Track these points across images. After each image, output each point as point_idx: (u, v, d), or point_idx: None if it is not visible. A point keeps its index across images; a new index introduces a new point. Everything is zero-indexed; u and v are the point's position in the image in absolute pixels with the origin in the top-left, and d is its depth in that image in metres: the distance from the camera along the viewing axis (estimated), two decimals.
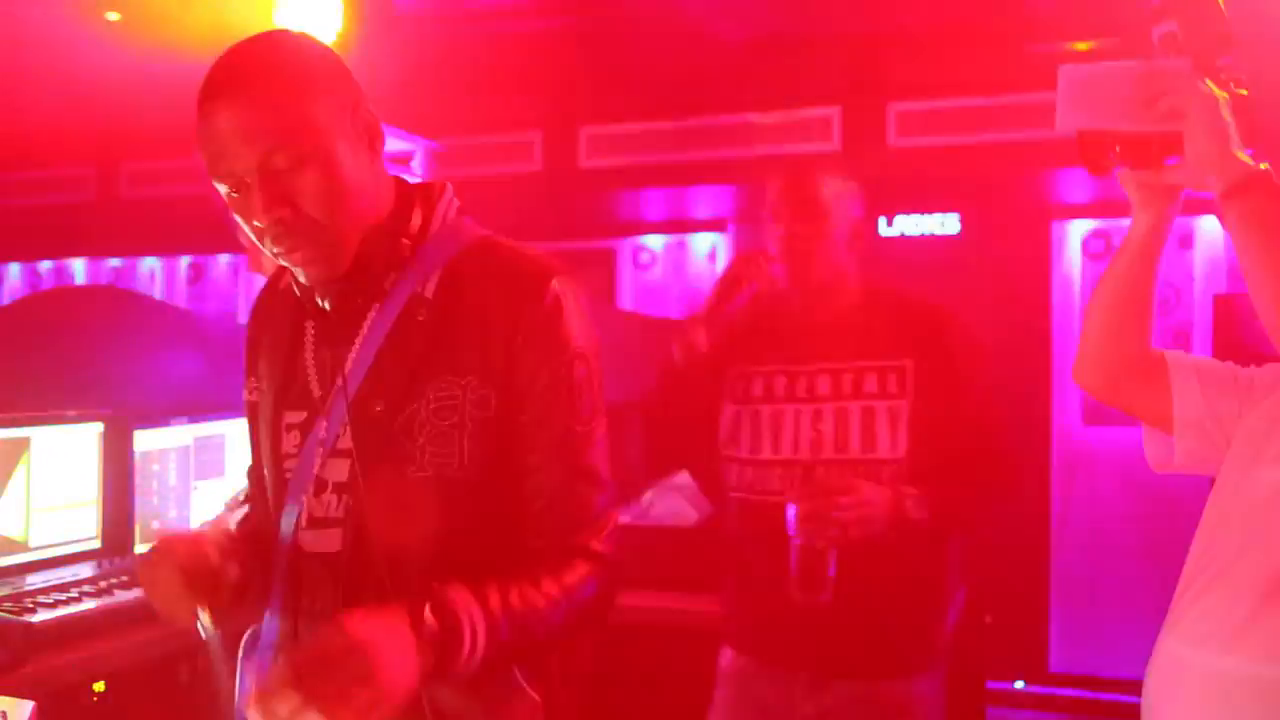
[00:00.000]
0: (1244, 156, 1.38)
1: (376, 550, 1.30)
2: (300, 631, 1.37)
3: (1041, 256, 5.25)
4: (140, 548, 2.66)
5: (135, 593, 2.34)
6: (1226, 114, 1.37)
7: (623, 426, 1.61)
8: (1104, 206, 5.13)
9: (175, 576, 1.30)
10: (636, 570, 1.52)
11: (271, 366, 1.46)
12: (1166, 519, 4.79)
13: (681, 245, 5.79)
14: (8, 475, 2.43)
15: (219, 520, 2.42)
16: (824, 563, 1.98)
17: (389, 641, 1.13)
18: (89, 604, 2.26)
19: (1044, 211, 5.25)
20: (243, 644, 1.42)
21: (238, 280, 6.68)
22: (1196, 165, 1.38)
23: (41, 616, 2.14)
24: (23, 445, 2.47)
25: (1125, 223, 1.58)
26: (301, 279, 1.37)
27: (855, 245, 2.21)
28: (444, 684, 1.24)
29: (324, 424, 1.37)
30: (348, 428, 1.34)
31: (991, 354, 2.32)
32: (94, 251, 6.92)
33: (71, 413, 2.64)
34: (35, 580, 2.37)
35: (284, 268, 1.43)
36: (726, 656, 2.26)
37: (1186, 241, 4.99)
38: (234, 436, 2.94)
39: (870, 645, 2.11)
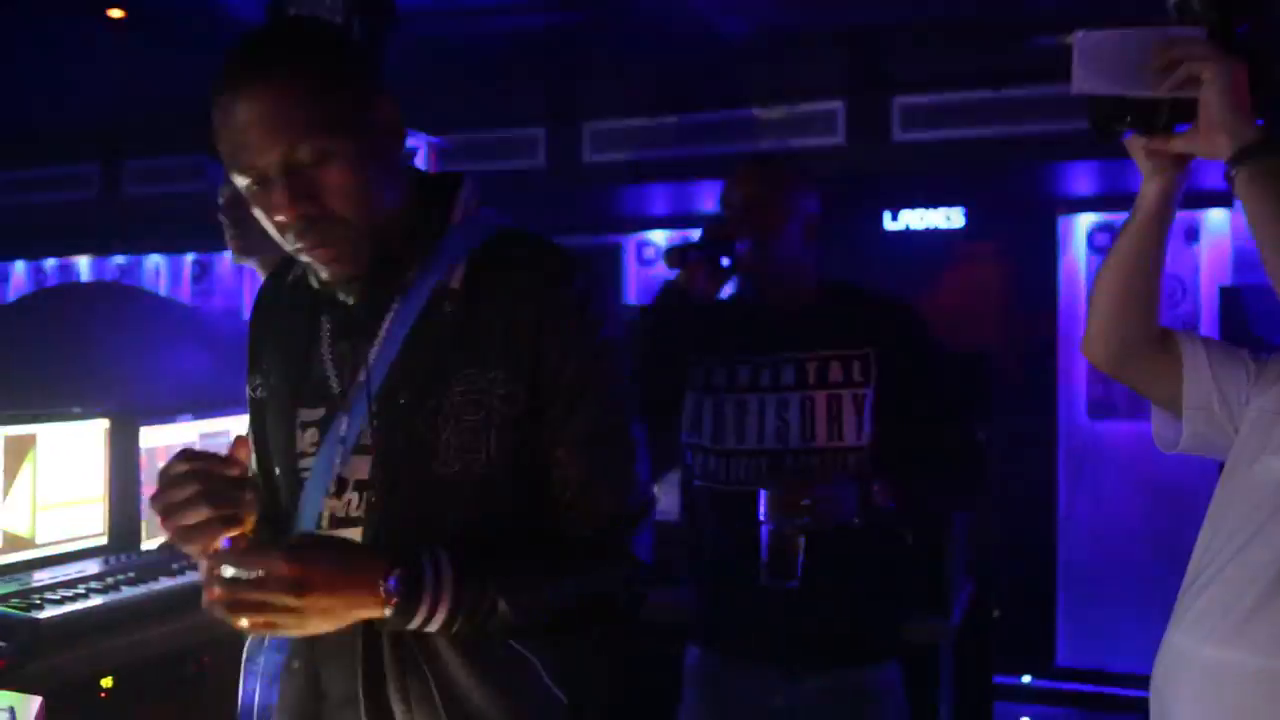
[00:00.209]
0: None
1: (398, 547, 1.26)
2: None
3: (1047, 250, 5.25)
4: (147, 544, 2.66)
5: (142, 589, 2.35)
6: (1242, 81, 1.36)
7: None
8: (1110, 200, 5.12)
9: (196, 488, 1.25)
10: None
11: (283, 363, 1.42)
12: (1173, 513, 4.79)
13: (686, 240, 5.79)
14: (14, 472, 2.43)
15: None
16: (794, 549, 2.01)
17: (338, 579, 1.16)
18: (96, 600, 2.26)
19: (1049, 205, 5.24)
20: (246, 647, 1.38)
21: (243, 277, 6.69)
22: (1209, 130, 1.37)
23: (49, 613, 2.14)
24: (29, 442, 2.47)
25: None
26: (324, 276, 1.32)
27: (810, 240, 2.22)
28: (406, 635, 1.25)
29: (345, 420, 1.33)
30: (370, 423, 1.31)
31: (946, 347, 2.34)
32: (99, 249, 6.94)
33: (77, 409, 2.64)
34: (42, 576, 2.37)
35: (286, 261, 1.41)
36: (693, 655, 2.26)
37: (1192, 234, 4.98)
38: (239, 433, 2.94)
39: (838, 635, 2.13)
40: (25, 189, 6.35)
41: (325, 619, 1.17)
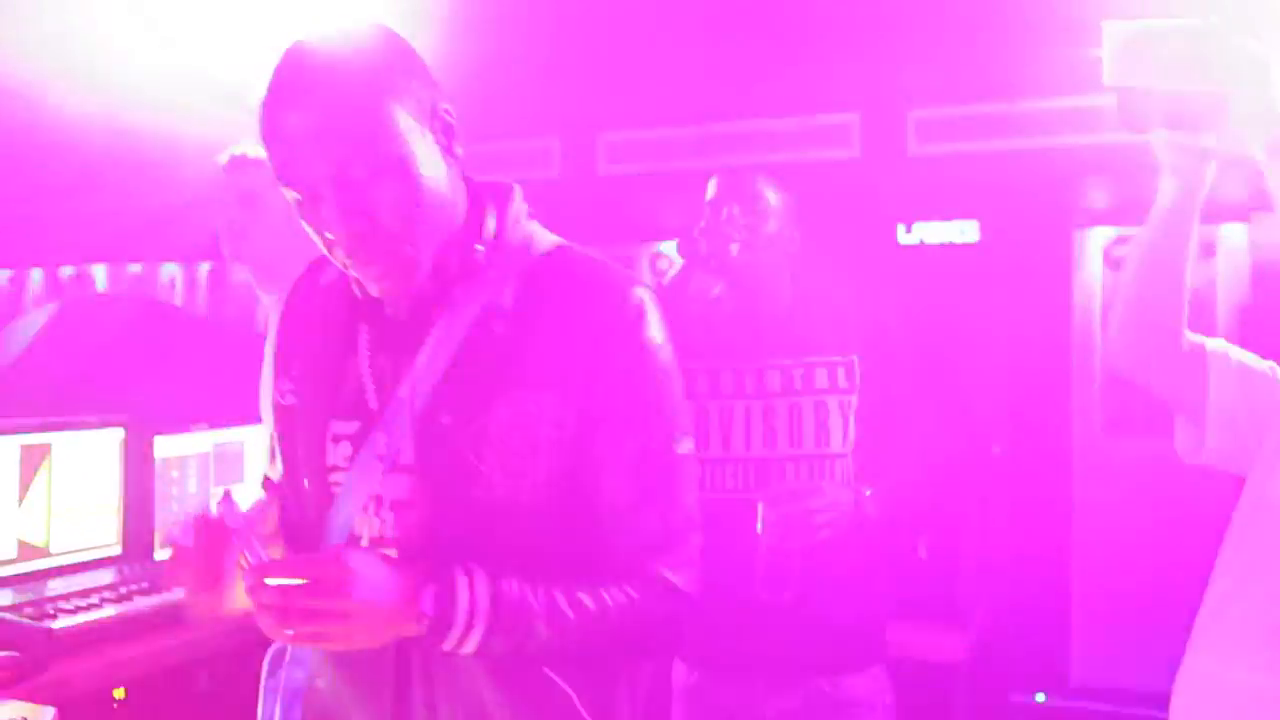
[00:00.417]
0: None
1: None
2: (340, 651, 1.30)
3: (1063, 265, 5.21)
4: (161, 554, 2.66)
5: (156, 599, 2.35)
6: (1276, 77, 1.35)
7: None
8: (1127, 214, 5.09)
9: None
10: None
11: (315, 371, 1.36)
12: (1190, 531, 4.74)
13: None
14: (29, 481, 2.44)
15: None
16: (791, 562, 2.01)
17: (378, 595, 1.12)
18: (109, 610, 2.26)
19: (1066, 219, 5.21)
20: (267, 660, 1.36)
21: None
22: (1240, 125, 1.35)
23: (62, 623, 2.14)
24: (44, 451, 2.47)
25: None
26: (374, 291, 1.28)
27: (791, 247, 2.24)
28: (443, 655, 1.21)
29: (382, 437, 1.28)
30: (411, 442, 1.26)
31: (926, 357, 2.34)
32: (115, 258, 6.96)
33: (93, 419, 2.65)
34: (56, 586, 2.37)
35: (318, 263, 1.36)
36: (679, 672, 2.25)
37: (1209, 250, 4.95)
38: (254, 443, 2.94)
39: (826, 642, 2.14)
40: (43, 197, 6.37)
41: (369, 631, 1.14)
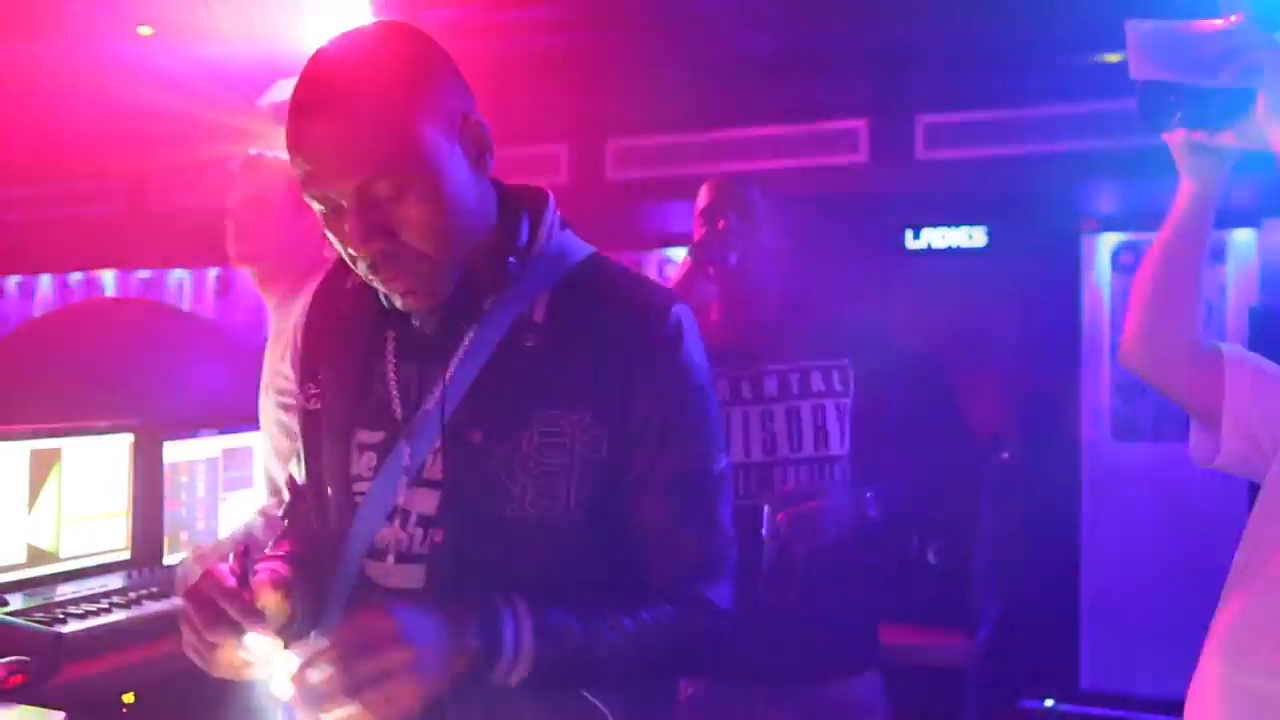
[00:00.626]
0: None
1: (465, 592, 1.19)
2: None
3: (1070, 270, 5.21)
4: (170, 558, 2.67)
5: (164, 604, 2.35)
6: None
7: None
8: (1134, 219, 5.09)
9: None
10: None
11: (340, 376, 1.32)
12: (1198, 535, 4.74)
13: None
14: (39, 486, 2.44)
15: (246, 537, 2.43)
16: (796, 565, 2.01)
17: (430, 638, 1.07)
18: (119, 615, 2.26)
19: (1073, 224, 5.21)
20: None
21: None
22: (1267, 121, 1.34)
23: (71, 627, 2.14)
24: (54, 456, 2.48)
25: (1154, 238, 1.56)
26: (399, 305, 1.23)
27: (782, 253, 2.24)
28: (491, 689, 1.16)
29: (407, 449, 1.24)
30: (438, 456, 1.22)
31: (924, 359, 2.35)
32: (124, 263, 6.99)
33: (102, 424, 2.65)
34: (65, 591, 2.37)
35: (343, 264, 1.30)
36: (679, 682, 2.25)
37: (1219, 254, 4.95)
38: (262, 449, 2.94)
39: (827, 646, 2.13)
40: (51, 203, 6.40)
41: (433, 676, 1.08)
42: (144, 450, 2.69)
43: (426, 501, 1.23)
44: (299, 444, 1.41)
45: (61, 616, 2.19)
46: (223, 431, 2.90)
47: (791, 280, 2.27)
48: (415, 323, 1.26)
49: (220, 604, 1.15)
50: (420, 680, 1.06)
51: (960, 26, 4.38)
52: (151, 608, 2.33)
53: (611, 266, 1.30)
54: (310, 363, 1.37)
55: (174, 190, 6.14)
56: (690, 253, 2.24)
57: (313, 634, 1.32)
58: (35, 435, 2.45)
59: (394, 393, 1.27)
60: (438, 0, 4.00)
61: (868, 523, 2.07)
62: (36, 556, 2.43)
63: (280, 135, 1.19)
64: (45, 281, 7.27)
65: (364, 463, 1.28)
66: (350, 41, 1.18)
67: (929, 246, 5.29)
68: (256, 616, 1.16)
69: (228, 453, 2.91)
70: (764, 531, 2.00)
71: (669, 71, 4.66)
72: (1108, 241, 5.22)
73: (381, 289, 1.22)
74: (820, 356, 2.18)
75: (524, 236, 1.27)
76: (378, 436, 1.27)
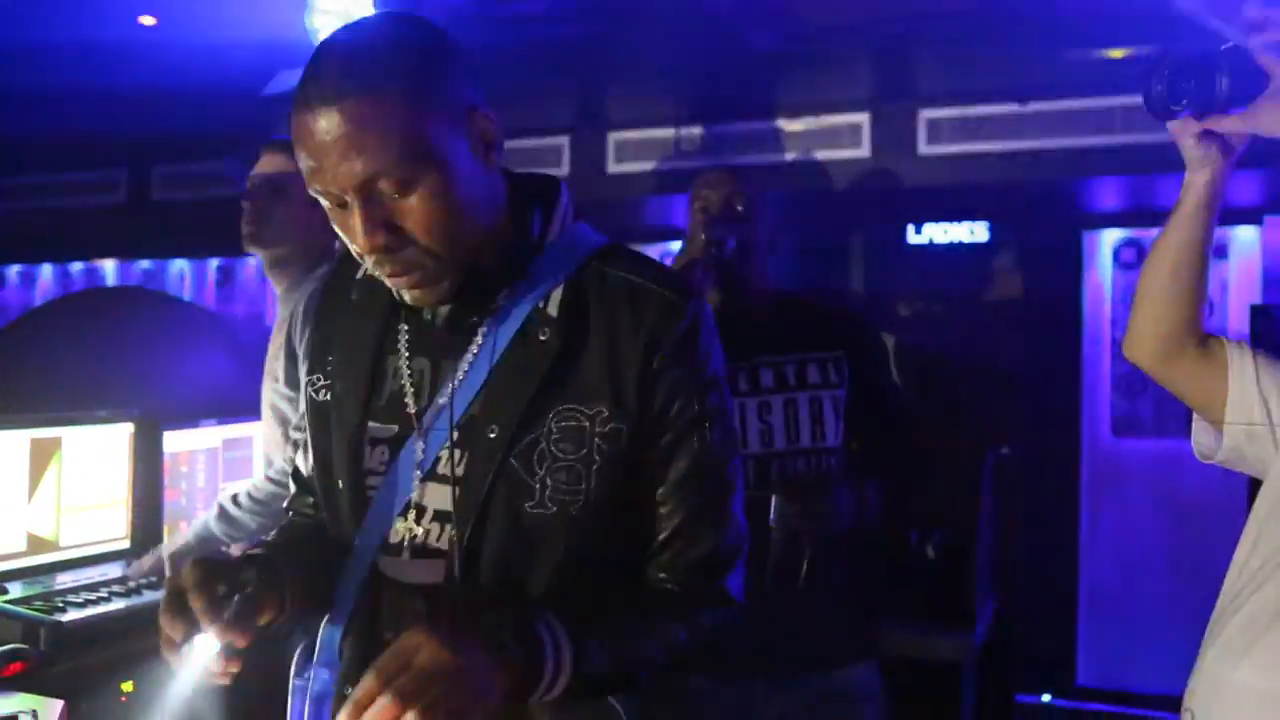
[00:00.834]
0: None
1: (485, 587, 1.19)
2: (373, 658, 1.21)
3: (1072, 266, 5.21)
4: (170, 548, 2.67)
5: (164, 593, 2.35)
6: None
7: None
8: (1136, 216, 5.08)
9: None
10: None
11: (351, 368, 1.30)
12: (1197, 531, 4.75)
13: None
14: (39, 475, 2.44)
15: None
16: (802, 554, 2.02)
17: (476, 659, 1.04)
18: (118, 604, 2.27)
19: (1075, 220, 5.21)
20: (294, 663, 1.32)
21: (266, 283, 6.70)
22: (1273, 103, 1.33)
23: (71, 616, 2.15)
24: (54, 445, 2.48)
25: (1158, 232, 1.56)
26: (406, 299, 1.23)
27: (774, 248, 2.27)
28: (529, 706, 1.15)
29: (420, 444, 1.24)
30: (453, 452, 1.21)
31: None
32: (124, 253, 6.99)
33: (102, 413, 2.65)
34: (65, 579, 2.38)
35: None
36: (678, 677, 2.26)
37: (1221, 251, 4.94)
38: (262, 438, 2.95)
39: (828, 635, 2.15)
40: (53, 193, 6.40)
41: (482, 688, 1.04)
42: (144, 439, 2.69)
43: (441, 496, 1.23)
44: (298, 434, 1.40)
45: (61, 605, 2.19)
46: (223, 421, 2.90)
47: (788, 273, 2.28)
48: (427, 316, 1.25)
49: (189, 599, 1.14)
50: (474, 708, 1.02)
51: (963, 21, 4.37)
52: (151, 597, 2.33)
53: (627, 257, 1.29)
54: (319, 353, 1.35)
55: (175, 181, 6.14)
56: (685, 245, 2.25)
57: (312, 625, 1.32)
58: (35, 424, 2.45)
59: (407, 386, 1.26)
60: None
61: (871, 514, 2.09)
62: (36, 545, 2.43)
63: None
64: (46, 271, 7.27)
65: (376, 456, 1.27)
66: (354, 34, 1.17)
67: (931, 241, 5.28)
68: (217, 615, 1.13)
69: (228, 442, 2.92)
70: (772, 521, 2.02)
71: (671, 65, 4.65)
72: (1109, 238, 5.22)
73: (388, 283, 1.21)
74: (815, 348, 2.18)
75: (536, 228, 1.25)
76: (390, 430, 1.27)
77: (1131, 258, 5.12)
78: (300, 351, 1.43)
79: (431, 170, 1.13)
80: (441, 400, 1.23)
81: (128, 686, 2.17)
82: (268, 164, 2.49)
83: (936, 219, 5.23)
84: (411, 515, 1.24)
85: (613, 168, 5.27)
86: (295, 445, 1.45)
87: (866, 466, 2.16)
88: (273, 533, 1.47)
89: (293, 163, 1.23)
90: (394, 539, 1.25)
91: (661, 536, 1.24)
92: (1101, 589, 5.13)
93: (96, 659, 2.14)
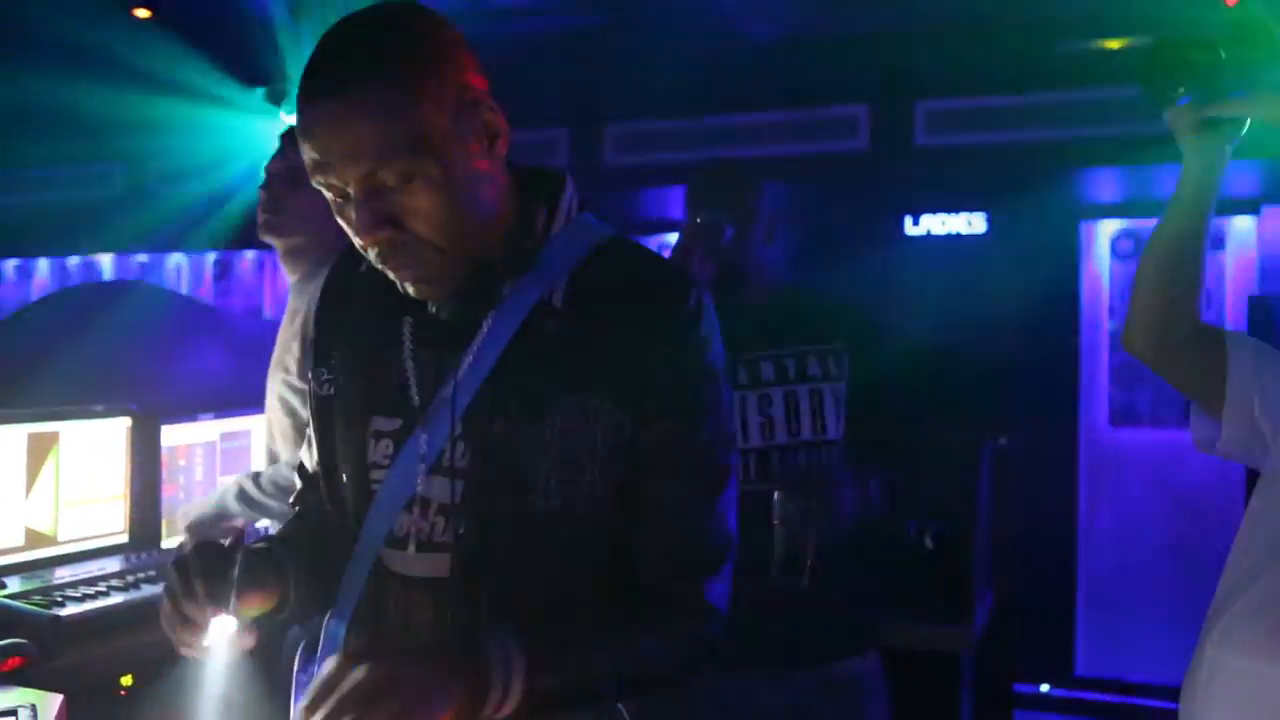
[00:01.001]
0: None
1: (489, 581, 1.19)
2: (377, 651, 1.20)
3: (1069, 257, 5.22)
4: (168, 542, 2.67)
5: (163, 587, 2.36)
6: None
7: None
8: (1133, 207, 5.08)
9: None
10: None
11: (356, 361, 1.30)
12: (1194, 521, 4.76)
13: None
14: (37, 469, 2.44)
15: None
16: (807, 549, 2.02)
17: (412, 673, 1.04)
18: (117, 598, 2.27)
19: (1072, 211, 5.21)
20: (296, 659, 1.32)
21: (263, 276, 6.72)
22: (1269, 90, 1.33)
23: (69, 610, 2.15)
24: (52, 439, 2.48)
25: (1156, 222, 1.56)
26: (410, 293, 1.21)
27: (772, 240, 2.25)
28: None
29: (424, 437, 1.22)
30: (458, 445, 1.20)
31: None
32: (121, 247, 6.98)
33: (100, 407, 2.65)
34: (63, 574, 2.38)
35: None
36: None
37: (1218, 242, 4.94)
38: (259, 432, 2.95)
39: (832, 627, 2.15)
40: (49, 187, 6.39)
41: (434, 688, 1.04)
42: (142, 433, 2.69)
43: (446, 490, 1.22)
44: (307, 427, 1.39)
45: (59, 599, 2.19)
46: (220, 415, 2.90)
47: (787, 265, 2.28)
48: (431, 309, 1.24)
49: (195, 581, 1.16)
50: (407, 713, 1.02)
51: (961, 12, 4.37)
52: (149, 591, 2.33)
53: (632, 247, 1.28)
54: (323, 347, 1.35)
55: (172, 174, 6.13)
56: (683, 237, 2.23)
57: (315, 618, 1.32)
58: (33, 418, 2.45)
59: (411, 379, 1.25)
60: None
61: (873, 508, 2.09)
62: (34, 539, 2.43)
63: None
64: (43, 265, 7.27)
65: (381, 450, 1.26)
66: (356, 25, 1.15)
67: (928, 233, 5.28)
68: (222, 600, 1.15)
69: (226, 436, 2.91)
70: (775, 518, 2.01)
71: (669, 57, 4.65)
72: (1107, 228, 5.22)
73: (391, 276, 1.20)
74: (814, 341, 2.19)
75: (541, 221, 1.25)
76: (395, 424, 1.26)
77: (1129, 248, 5.12)
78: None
79: (434, 162, 1.12)
80: (446, 394, 1.22)
81: (127, 680, 2.17)
82: (287, 152, 2.49)
83: (934, 210, 5.23)
84: (416, 509, 1.23)
85: (610, 159, 5.27)
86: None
87: (867, 460, 2.15)
88: (279, 528, 1.47)
89: None
90: (399, 532, 1.25)
91: (646, 534, 1.23)
92: (1099, 579, 5.14)
93: (95, 653, 2.14)
